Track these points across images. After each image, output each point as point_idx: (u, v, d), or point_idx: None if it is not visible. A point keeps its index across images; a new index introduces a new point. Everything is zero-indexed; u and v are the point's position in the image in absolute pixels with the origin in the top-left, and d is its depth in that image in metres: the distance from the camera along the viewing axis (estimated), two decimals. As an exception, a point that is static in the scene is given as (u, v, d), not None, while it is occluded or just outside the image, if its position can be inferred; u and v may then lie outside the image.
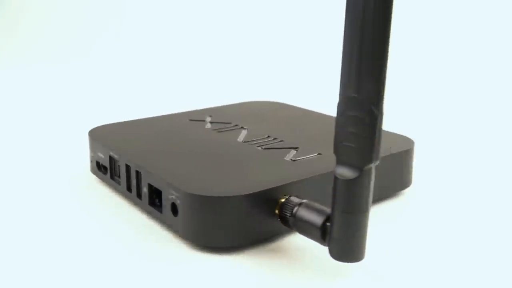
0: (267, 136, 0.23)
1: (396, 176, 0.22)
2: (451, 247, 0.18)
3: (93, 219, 0.20)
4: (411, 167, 0.22)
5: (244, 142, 0.23)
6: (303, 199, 0.17)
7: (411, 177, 0.22)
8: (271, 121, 0.26)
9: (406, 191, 0.23)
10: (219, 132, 0.24)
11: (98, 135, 0.24)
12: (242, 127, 0.25)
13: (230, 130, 0.24)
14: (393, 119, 0.28)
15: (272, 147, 0.22)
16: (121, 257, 0.17)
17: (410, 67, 0.46)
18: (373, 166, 0.15)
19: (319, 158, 0.20)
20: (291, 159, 0.20)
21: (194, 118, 0.27)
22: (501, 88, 0.40)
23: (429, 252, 0.18)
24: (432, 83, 0.43)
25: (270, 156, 0.21)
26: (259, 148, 0.22)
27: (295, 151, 0.21)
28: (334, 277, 0.16)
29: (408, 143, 0.23)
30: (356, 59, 0.14)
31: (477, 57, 0.48)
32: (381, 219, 0.20)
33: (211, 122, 0.26)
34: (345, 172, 0.15)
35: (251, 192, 0.17)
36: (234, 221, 0.17)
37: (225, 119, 0.26)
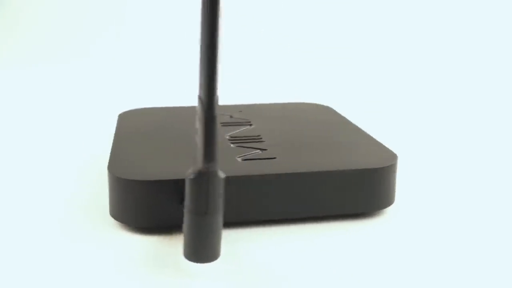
0: (257, 135, 0.24)
1: (376, 192, 0.20)
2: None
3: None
4: (394, 184, 0.21)
5: (230, 137, 0.23)
6: None
7: (393, 195, 0.21)
8: (288, 124, 0.26)
9: (388, 209, 0.21)
10: (223, 126, 0.25)
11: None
12: (250, 125, 0.26)
13: (236, 125, 0.26)
14: (377, 131, 0.29)
15: (245, 145, 0.22)
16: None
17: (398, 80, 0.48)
18: (211, 168, 0.15)
19: (266, 162, 0.20)
20: (242, 159, 0.21)
21: (221, 111, 0.27)
22: (487, 104, 0.40)
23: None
24: (418, 96, 0.43)
25: (229, 153, 0.21)
26: (232, 145, 0.22)
27: (260, 152, 0.21)
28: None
29: (391, 158, 0.21)
30: (200, 62, 0.15)
31: (464, 72, 0.48)
32: (354, 237, 0.19)
33: (231, 116, 0.27)
34: (190, 171, 0.15)
35: (159, 179, 0.18)
36: (142, 203, 0.19)
37: (248, 115, 0.27)
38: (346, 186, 0.20)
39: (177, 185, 0.18)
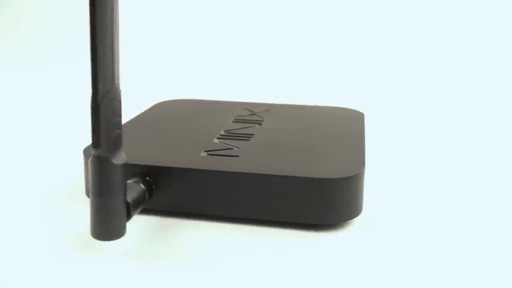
0: (251, 134, 0.25)
1: (341, 203, 0.20)
2: None
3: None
4: (361, 193, 0.21)
5: (225, 132, 0.25)
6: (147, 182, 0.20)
7: (361, 205, 0.21)
8: (297, 127, 0.26)
9: (355, 220, 0.21)
10: (234, 122, 0.27)
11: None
12: (260, 124, 0.27)
13: (246, 122, 0.27)
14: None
15: (227, 142, 0.23)
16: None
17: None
18: (100, 153, 0.16)
19: (225, 159, 0.21)
20: (208, 154, 0.22)
21: (248, 107, 0.30)
22: (461, 113, 0.40)
23: None
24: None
25: (203, 147, 0.22)
26: (217, 140, 0.24)
27: (233, 148, 0.22)
28: None
29: (358, 167, 0.21)
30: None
31: (450, 78, 0.49)
32: (313, 249, 0.19)
33: (252, 113, 0.29)
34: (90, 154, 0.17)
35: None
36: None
37: (268, 114, 0.29)
38: (295, 194, 0.19)
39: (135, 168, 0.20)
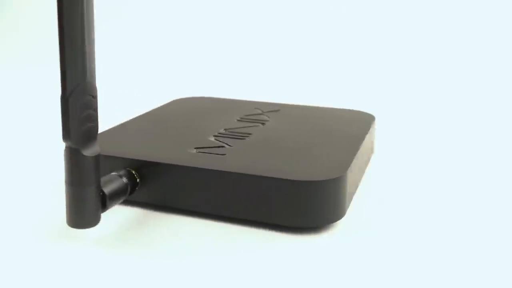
0: (249, 133, 0.24)
1: (320, 205, 0.19)
2: None
3: None
4: (343, 197, 0.20)
5: (222, 131, 0.25)
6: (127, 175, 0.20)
7: (343, 208, 0.20)
8: (299, 128, 0.26)
9: (338, 223, 0.21)
10: (238, 121, 0.27)
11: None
12: (263, 124, 0.26)
13: (249, 121, 0.27)
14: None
15: (221, 140, 0.23)
16: None
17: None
18: (70, 145, 0.17)
19: (211, 157, 0.21)
20: (197, 151, 0.22)
21: (259, 107, 0.30)
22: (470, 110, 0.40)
23: None
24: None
25: (198, 144, 0.23)
26: (212, 138, 0.23)
27: (225, 146, 0.22)
28: None
29: (340, 170, 0.20)
30: None
31: (455, 69, 0.49)
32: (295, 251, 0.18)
33: (260, 113, 0.28)
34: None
35: (105, 154, 0.21)
36: None
37: (276, 114, 0.28)
38: (272, 195, 0.19)
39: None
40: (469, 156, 0.29)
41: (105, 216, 0.19)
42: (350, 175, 0.20)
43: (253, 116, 0.28)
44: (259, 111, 0.29)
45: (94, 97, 0.17)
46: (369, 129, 0.26)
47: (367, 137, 0.25)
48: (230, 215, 0.20)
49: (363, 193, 0.23)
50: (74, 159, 0.17)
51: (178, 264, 0.17)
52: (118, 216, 0.20)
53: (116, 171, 0.20)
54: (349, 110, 0.30)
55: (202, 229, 0.20)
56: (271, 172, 0.19)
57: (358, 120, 0.28)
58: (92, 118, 0.17)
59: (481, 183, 0.25)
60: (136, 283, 0.16)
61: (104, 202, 0.18)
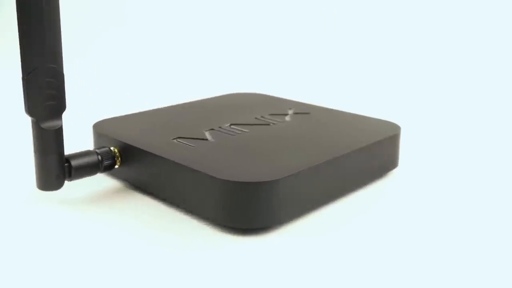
0: (245, 131, 0.25)
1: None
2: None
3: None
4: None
5: (229, 125, 0.26)
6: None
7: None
8: (304, 132, 0.25)
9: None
10: (256, 118, 0.27)
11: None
12: (274, 124, 0.26)
13: (263, 119, 0.27)
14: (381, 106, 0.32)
15: (214, 134, 0.24)
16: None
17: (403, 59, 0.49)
18: (32, 118, 0.20)
19: (183, 147, 0.22)
20: (176, 140, 0.23)
21: (293, 106, 0.30)
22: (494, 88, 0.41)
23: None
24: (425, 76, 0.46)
25: (189, 135, 0.24)
26: (207, 132, 0.24)
27: (207, 140, 0.23)
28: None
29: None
30: None
31: (469, 53, 0.49)
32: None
33: (284, 114, 0.28)
34: None
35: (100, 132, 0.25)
36: None
37: (301, 117, 0.28)
38: (210, 192, 0.20)
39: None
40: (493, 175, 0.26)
41: (86, 183, 0.23)
42: (293, 181, 0.20)
43: (272, 117, 0.27)
44: (285, 113, 0.28)
45: (58, 80, 0.20)
46: (379, 139, 0.24)
47: (369, 146, 0.24)
48: (178, 204, 0.21)
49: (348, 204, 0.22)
50: (35, 130, 0.20)
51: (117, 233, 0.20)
52: (94, 186, 0.24)
53: (98, 148, 0.23)
54: (378, 120, 0.28)
55: (159, 213, 0.21)
56: (202, 167, 0.20)
57: (376, 130, 0.26)
58: (53, 97, 0.20)
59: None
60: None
61: (70, 171, 0.21)
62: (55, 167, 0.21)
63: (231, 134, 0.24)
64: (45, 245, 0.19)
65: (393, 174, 0.26)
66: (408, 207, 0.22)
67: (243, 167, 0.20)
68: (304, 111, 0.29)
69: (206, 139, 0.23)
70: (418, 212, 0.22)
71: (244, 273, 0.17)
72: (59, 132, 0.20)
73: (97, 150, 0.23)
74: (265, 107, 0.29)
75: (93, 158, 0.22)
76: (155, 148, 0.22)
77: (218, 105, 0.30)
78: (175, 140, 0.23)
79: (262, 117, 0.27)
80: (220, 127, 0.25)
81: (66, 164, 0.21)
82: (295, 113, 0.28)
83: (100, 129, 0.25)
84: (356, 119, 0.28)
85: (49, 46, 0.19)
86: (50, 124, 0.20)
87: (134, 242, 0.19)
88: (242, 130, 0.25)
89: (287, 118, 0.27)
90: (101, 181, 0.24)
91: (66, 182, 0.22)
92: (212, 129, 0.25)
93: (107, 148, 0.23)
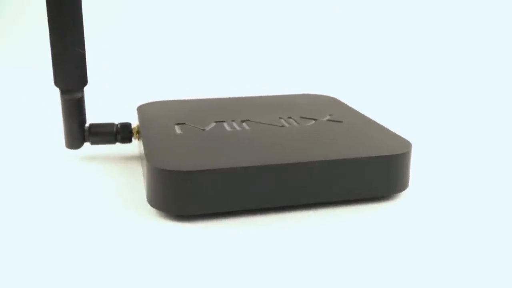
0: (248, 128, 0.25)
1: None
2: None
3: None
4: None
5: (238, 121, 0.26)
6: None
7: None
8: (308, 137, 0.24)
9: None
10: (280, 118, 0.27)
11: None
12: (284, 126, 0.26)
13: (277, 125, 0.26)
14: (393, 120, 0.30)
15: (216, 125, 0.26)
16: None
17: (412, 69, 0.50)
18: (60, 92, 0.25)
19: (168, 133, 0.24)
20: (176, 125, 0.25)
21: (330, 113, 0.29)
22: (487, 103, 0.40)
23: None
24: (433, 86, 0.46)
25: (192, 122, 0.26)
26: (212, 123, 0.26)
27: (205, 130, 0.25)
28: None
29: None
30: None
31: (475, 60, 0.50)
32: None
33: (314, 119, 0.27)
34: None
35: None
36: None
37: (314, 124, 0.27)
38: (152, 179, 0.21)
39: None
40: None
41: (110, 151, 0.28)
42: (211, 175, 0.20)
43: (302, 119, 0.27)
44: (319, 118, 0.27)
45: (80, 59, 0.24)
46: (371, 155, 0.22)
47: (355, 160, 0.21)
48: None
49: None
50: (61, 99, 0.25)
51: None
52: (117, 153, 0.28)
53: (122, 123, 0.27)
54: (394, 135, 0.25)
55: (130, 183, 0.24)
56: (148, 151, 0.22)
57: (379, 145, 0.23)
58: (74, 73, 0.24)
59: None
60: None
61: (83, 136, 0.26)
62: (75, 130, 0.26)
63: (228, 129, 0.25)
64: (60, 182, 0.24)
65: (402, 196, 0.23)
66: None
67: (179, 157, 0.21)
68: (339, 119, 0.27)
69: (203, 129, 0.25)
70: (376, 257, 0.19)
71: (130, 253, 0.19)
72: (80, 102, 0.25)
73: (118, 123, 0.27)
74: (310, 111, 0.28)
75: (111, 129, 0.26)
76: (149, 130, 0.25)
77: (270, 102, 0.30)
78: (176, 126, 0.25)
79: (288, 118, 0.27)
80: (232, 121, 0.26)
81: (86, 129, 0.26)
82: (328, 120, 0.27)
83: (139, 110, 0.29)
84: (382, 132, 0.25)
85: (75, 30, 0.24)
86: (71, 95, 0.25)
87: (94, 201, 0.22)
88: (244, 127, 0.25)
89: (311, 122, 0.26)
90: (126, 150, 0.28)
91: (89, 145, 0.26)
92: (221, 122, 0.26)
93: (128, 123, 0.27)
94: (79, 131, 0.26)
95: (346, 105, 0.30)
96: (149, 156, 0.21)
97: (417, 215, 0.21)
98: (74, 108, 0.25)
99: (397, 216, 0.21)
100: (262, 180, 0.21)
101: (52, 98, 0.38)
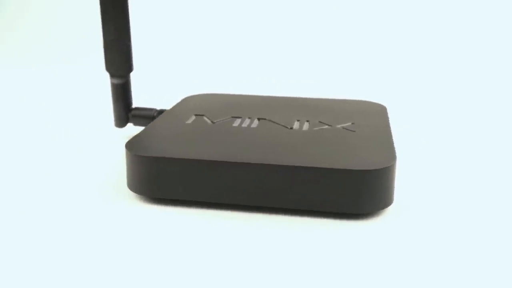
0: (254, 126, 0.26)
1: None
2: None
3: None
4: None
5: (255, 120, 0.27)
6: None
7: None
8: (315, 141, 0.24)
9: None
10: (297, 121, 0.27)
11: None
12: (291, 128, 0.25)
13: (286, 127, 0.26)
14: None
15: (230, 120, 0.27)
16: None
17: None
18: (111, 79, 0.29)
19: (176, 122, 0.26)
20: (195, 116, 0.27)
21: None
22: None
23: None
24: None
25: (211, 116, 0.27)
26: (227, 118, 0.27)
27: (209, 123, 0.26)
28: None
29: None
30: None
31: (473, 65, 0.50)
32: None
33: (329, 125, 0.27)
34: None
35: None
36: None
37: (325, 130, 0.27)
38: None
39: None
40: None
41: None
42: (172, 163, 0.21)
43: (319, 124, 0.26)
44: (335, 125, 0.26)
45: (126, 49, 0.28)
46: (339, 167, 0.20)
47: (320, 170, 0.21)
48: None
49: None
50: (110, 83, 0.29)
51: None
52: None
53: (160, 110, 0.30)
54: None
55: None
56: (136, 140, 0.23)
57: (361, 157, 0.22)
58: (120, 60, 0.28)
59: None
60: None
61: (127, 117, 0.30)
62: (120, 111, 0.29)
63: (235, 125, 0.25)
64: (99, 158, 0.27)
65: (387, 213, 0.21)
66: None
67: (152, 144, 0.23)
68: (355, 129, 0.25)
69: (214, 122, 0.26)
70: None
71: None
72: (125, 86, 0.29)
73: (157, 109, 0.30)
74: (337, 117, 0.27)
75: (150, 113, 0.29)
76: (163, 118, 0.27)
77: (311, 105, 0.30)
78: (194, 116, 0.27)
79: (306, 121, 0.26)
80: (249, 117, 0.27)
81: (130, 111, 0.30)
82: (342, 128, 0.25)
83: (183, 100, 0.31)
84: (382, 142, 0.23)
85: (122, 24, 0.28)
86: (118, 80, 0.29)
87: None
88: (251, 125, 0.25)
89: (323, 127, 0.25)
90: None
91: (132, 125, 0.30)
92: (238, 117, 0.27)
93: (165, 110, 0.30)
94: (123, 112, 0.29)
95: (385, 115, 0.28)
96: (129, 142, 0.23)
97: (389, 236, 0.20)
98: (119, 92, 0.29)
99: (366, 236, 0.20)
100: (217, 175, 0.21)
101: (52, 98, 0.40)
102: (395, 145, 0.30)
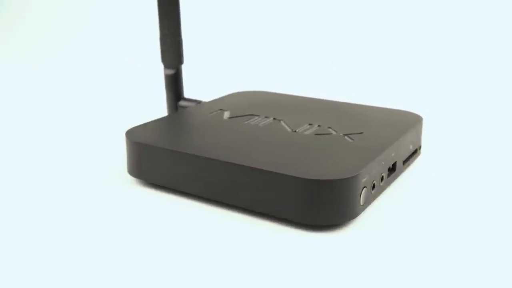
0: (261, 126, 0.26)
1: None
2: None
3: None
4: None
5: (269, 119, 0.27)
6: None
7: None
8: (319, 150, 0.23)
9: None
10: (308, 124, 0.26)
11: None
12: (296, 131, 0.25)
13: (293, 130, 0.26)
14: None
15: (243, 117, 0.28)
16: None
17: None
18: (164, 70, 0.32)
19: (193, 111, 0.29)
20: (219, 110, 0.29)
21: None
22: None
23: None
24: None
25: (236, 112, 0.29)
26: (243, 116, 0.28)
27: (228, 112, 0.28)
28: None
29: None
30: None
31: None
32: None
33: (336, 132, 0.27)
34: None
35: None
36: None
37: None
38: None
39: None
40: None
41: None
42: (158, 152, 0.24)
43: (327, 129, 0.26)
44: (347, 132, 0.25)
45: (177, 43, 0.31)
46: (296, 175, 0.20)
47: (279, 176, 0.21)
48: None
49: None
50: (164, 74, 0.32)
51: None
52: None
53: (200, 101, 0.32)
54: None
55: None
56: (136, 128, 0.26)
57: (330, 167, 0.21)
58: (172, 53, 0.31)
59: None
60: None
61: (176, 107, 0.32)
62: (170, 100, 0.32)
63: (244, 122, 0.26)
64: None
65: (349, 228, 0.20)
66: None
67: (150, 133, 0.25)
68: (356, 138, 0.24)
69: (229, 118, 0.27)
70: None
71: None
72: (175, 77, 0.31)
73: (202, 101, 0.31)
74: (354, 125, 0.26)
75: (192, 104, 0.31)
76: (188, 110, 0.29)
77: (344, 110, 0.29)
78: (217, 111, 0.28)
79: (318, 126, 0.26)
80: (266, 117, 0.27)
81: (179, 101, 0.32)
82: (344, 135, 0.25)
83: (228, 95, 0.32)
84: (363, 155, 0.22)
85: (174, 23, 0.30)
86: (170, 71, 0.31)
87: None
88: (259, 124, 0.26)
89: (325, 133, 0.25)
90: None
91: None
92: (256, 115, 0.28)
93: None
94: (173, 101, 0.32)
95: (410, 126, 0.26)
96: (130, 129, 0.25)
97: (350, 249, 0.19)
98: (170, 82, 0.31)
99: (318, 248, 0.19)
100: (184, 166, 0.23)
101: (52, 98, 0.41)
102: (421, 157, 0.28)
